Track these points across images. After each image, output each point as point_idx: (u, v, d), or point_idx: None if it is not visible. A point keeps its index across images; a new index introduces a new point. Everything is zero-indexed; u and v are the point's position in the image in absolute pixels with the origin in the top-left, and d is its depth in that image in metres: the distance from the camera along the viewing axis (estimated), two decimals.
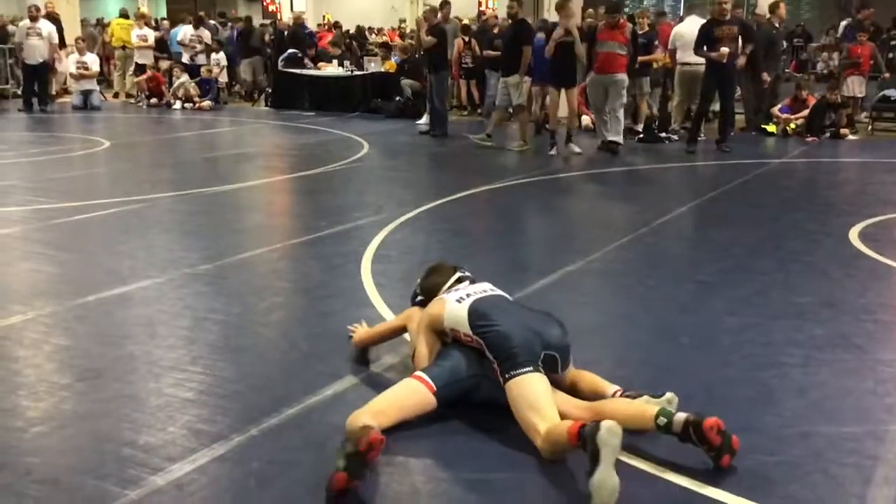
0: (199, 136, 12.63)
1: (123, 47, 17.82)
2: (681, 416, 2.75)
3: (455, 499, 2.61)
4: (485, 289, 3.35)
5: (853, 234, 5.95)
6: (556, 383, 3.10)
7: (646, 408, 2.87)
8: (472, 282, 3.51)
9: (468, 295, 3.26)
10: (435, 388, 3.04)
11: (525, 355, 2.96)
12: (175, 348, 3.85)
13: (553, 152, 10.13)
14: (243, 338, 4.03)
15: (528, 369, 2.94)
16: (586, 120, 12.01)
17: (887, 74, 12.85)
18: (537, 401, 2.88)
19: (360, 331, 3.81)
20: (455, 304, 3.23)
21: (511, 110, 11.30)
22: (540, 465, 2.76)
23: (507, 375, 2.95)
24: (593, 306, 4.66)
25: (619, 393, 3.11)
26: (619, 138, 10.24)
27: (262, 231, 6.46)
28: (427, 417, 3.06)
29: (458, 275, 3.57)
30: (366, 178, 8.93)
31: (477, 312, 3.15)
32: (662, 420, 2.76)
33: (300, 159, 10.32)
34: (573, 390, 3.15)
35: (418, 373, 3.13)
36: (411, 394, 3.03)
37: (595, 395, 3.12)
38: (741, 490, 2.60)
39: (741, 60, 10.34)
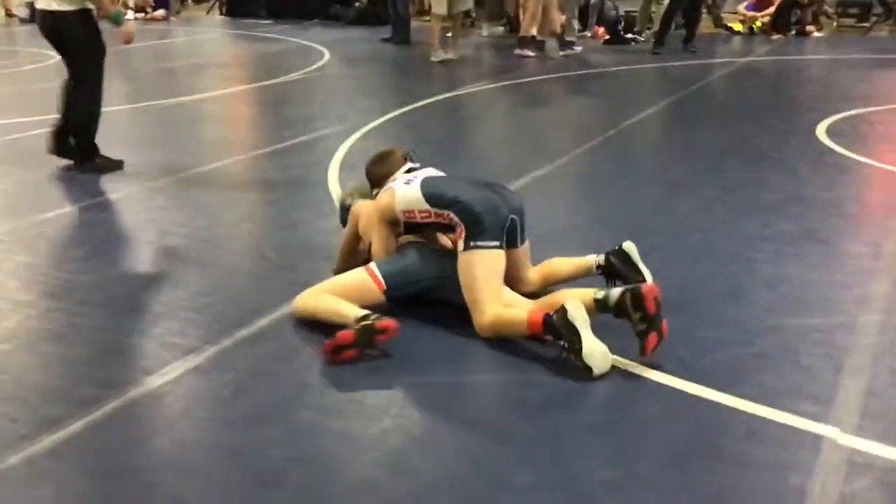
0: (154, 47, 12.22)
1: None
2: (617, 289, 2.83)
3: (432, 403, 2.60)
4: (430, 171, 3.33)
5: (820, 131, 5.95)
6: (522, 282, 3.17)
7: (587, 290, 2.93)
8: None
9: (415, 177, 3.23)
10: (385, 287, 3.05)
11: (492, 220, 2.96)
12: (141, 262, 3.78)
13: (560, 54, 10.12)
14: (210, 251, 3.96)
15: (493, 244, 2.96)
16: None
17: None
18: (491, 279, 2.94)
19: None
20: (404, 186, 3.18)
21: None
22: (515, 366, 2.76)
23: (471, 243, 2.95)
24: (564, 209, 4.64)
25: (601, 259, 3.26)
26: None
27: (224, 143, 6.31)
28: (405, 327, 3.04)
29: (408, 165, 3.45)
30: (328, 87, 8.73)
31: (432, 186, 3.12)
32: (600, 293, 2.83)
33: (259, 69, 10.05)
34: (546, 282, 3.25)
35: (372, 266, 3.12)
36: (359, 289, 3.04)
37: (580, 273, 3.27)
38: (713, 382, 2.62)
39: None
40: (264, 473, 2.23)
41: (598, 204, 4.61)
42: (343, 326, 2.84)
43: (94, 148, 5.22)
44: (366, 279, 3.07)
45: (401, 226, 3.24)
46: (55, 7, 4.80)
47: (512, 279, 3.13)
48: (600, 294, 2.84)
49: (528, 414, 2.51)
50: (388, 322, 2.81)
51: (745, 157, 5.38)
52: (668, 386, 2.63)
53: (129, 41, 5.05)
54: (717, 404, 2.53)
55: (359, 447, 2.36)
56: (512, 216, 3.04)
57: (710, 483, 2.18)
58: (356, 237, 3.44)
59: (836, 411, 2.46)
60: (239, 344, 2.97)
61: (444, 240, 3.32)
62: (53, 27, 4.88)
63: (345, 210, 3.59)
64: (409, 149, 3.59)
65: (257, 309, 3.23)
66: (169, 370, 2.78)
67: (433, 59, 9.86)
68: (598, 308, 2.83)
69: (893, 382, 2.64)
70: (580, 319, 2.67)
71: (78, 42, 4.89)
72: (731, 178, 4.88)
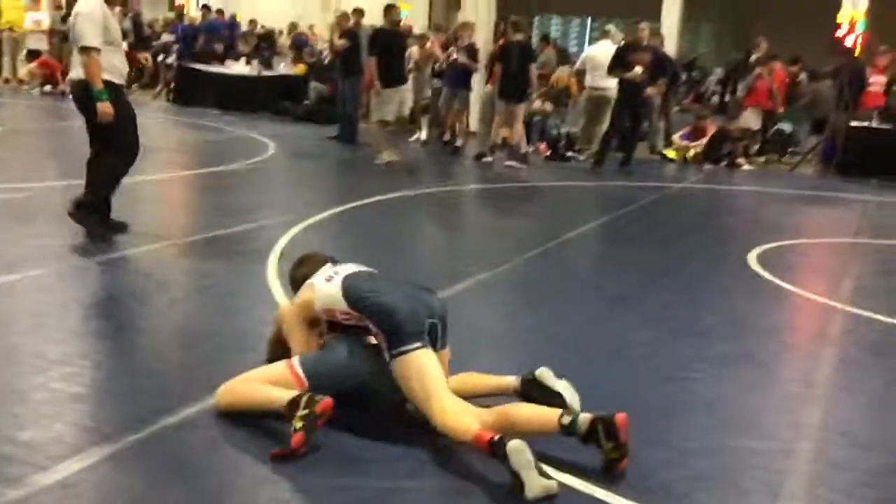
0: None
1: (11, 29, 16.80)
2: (586, 415, 2.71)
3: None
4: (352, 267, 3.22)
5: (751, 258, 6.11)
6: None
7: (549, 411, 2.80)
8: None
9: (336, 273, 3.13)
10: (306, 386, 2.87)
11: (412, 326, 2.86)
12: (64, 342, 3.61)
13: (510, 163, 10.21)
14: (139, 334, 3.82)
15: (416, 345, 2.84)
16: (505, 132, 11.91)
17: (781, 108, 13.38)
18: (429, 381, 2.80)
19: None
20: (324, 283, 3.09)
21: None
22: (454, 472, 2.68)
23: (394, 352, 2.84)
24: (501, 316, 4.62)
25: (518, 384, 3.11)
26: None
27: (162, 226, 6.19)
28: (338, 424, 2.92)
29: (329, 264, 3.34)
30: (272, 179, 8.71)
31: (353, 287, 3.01)
32: (567, 419, 2.70)
33: (203, 156, 10.01)
34: (461, 395, 3.00)
35: (294, 362, 2.96)
36: (278, 385, 2.87)
37: (497, 392, 3.10)
38: (655, 503, 2.57)
39: (652, 90, 10.50)
40: None
41: (536, 313, 4.60)
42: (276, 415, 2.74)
43: (101, 207, 5.31)
44: (287, 377, 2.91)
45: (322, 325, 3.13)
46: (79, 76, 5.08)
47: None
48: (566, 419, 2.70)
49: None
50: (325, 403, 2.70)
51: (680, 279, 5.47)
52: None
53: (103, 116, 5.05)
54: None
55: None
56: (432, 321, 2.94)
57: None
58: (281, 339, 3.31)
59: None
60: (161, 433, 2.81)
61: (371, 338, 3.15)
62: (76, 95, 5.21)
63: None
64: (331, 256, 3.50)
65: (183, 397, 3.09)
66: (83, 458, 2.61)
67: (378, 161, 9.93)
68: (563, 432, 2.70)
69: None
70: (522, 462, 2.50)
71: (93, 111, 5.06)
72: (667, 298, 4.95)
